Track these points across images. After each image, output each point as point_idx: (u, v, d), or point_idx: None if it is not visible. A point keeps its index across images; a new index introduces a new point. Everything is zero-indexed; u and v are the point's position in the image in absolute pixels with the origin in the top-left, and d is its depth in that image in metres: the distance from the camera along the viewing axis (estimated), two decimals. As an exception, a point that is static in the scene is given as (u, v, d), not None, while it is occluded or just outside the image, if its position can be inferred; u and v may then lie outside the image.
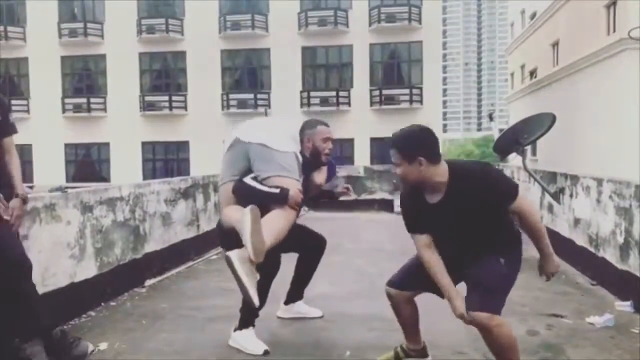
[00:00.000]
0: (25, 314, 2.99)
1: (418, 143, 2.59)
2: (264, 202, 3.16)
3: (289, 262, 3.87)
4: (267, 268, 3.23)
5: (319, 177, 3.67)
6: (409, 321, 3.12)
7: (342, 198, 4.00)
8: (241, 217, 2.92)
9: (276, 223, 3.14)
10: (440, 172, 2.60)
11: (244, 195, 3.27)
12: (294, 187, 3.25)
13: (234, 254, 2.86)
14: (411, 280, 2.98)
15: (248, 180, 3.30)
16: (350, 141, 22.21)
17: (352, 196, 4.41)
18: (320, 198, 3.99)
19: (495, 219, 2.67)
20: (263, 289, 3.38)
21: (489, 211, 2.62)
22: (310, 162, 3.58)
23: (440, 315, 4.07)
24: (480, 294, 2.63)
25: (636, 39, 4.00)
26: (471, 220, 2.63)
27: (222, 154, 3.55)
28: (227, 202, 3.41)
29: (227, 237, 3.21)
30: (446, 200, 2.63)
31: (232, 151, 3.45)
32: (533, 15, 25.92)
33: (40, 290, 3.63)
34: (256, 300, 2.91)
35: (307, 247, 3.87)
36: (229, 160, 3.47)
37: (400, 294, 3.00)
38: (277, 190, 3.20)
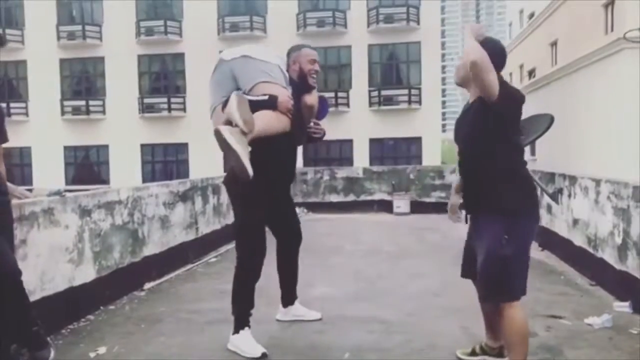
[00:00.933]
0: (19, 321, 2.99)
1: (497, 51, 2.79)
2: (256, 111, 3.08)
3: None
4: (254, 244, 3.34)
5: (310, 98, 3.57)
6: (487, 315, 3.15)
7: (316, 136, 3.77)
8: (229, 103, 2.91)
9: (266, 116, 3.11)
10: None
11: None
12: (283, 93, 3.21)
13: (223, 127, 2.86)
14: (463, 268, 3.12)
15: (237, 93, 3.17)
16: (349, 142, 22.19)
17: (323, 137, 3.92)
18: (304, 136, 3.75)
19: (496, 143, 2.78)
20: (249, 285, 3.41)
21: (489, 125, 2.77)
22: (298, 85, 3.53)
23: (438, 316, 4.09)
24: (488, 287, 2.82)
25: (631, 40, 3.99)
26: (474, 131, 2.84)
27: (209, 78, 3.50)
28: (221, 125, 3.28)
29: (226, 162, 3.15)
30: (471, 103, 2.91)
31: (217, 72, 3.43)
32: (531, 15, 25.93)
33: (39, 294, 3.65)
34: (250, 170, 2.88)
35: (286, 231, 3.83)
36: (216, 82, 3.44)
37: (474, 283, 3.08)
38: (266, 97, 3.15)
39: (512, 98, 2.80)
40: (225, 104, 3.18)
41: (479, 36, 2.78)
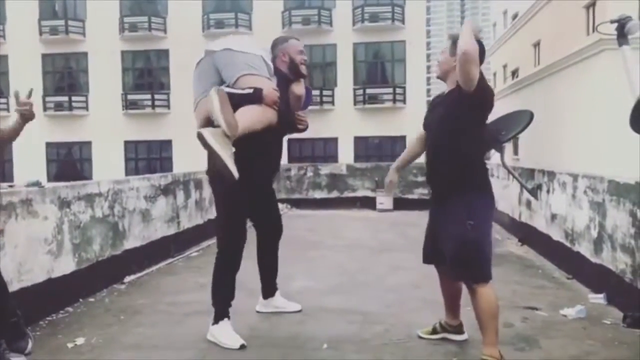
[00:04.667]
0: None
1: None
2: (241, 104, 3.07)
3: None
4: (234, 237, 3.35)
5: (298, 88, 3.59)
6: (446, 296, 3.39)
7: (300, 126, 3.76)
8: (209, 100, 2.88)
9: (251, 111, 3.08)
10: None
11: None
12: (268, 86, 3.18)
13: (205, 130, 2.84)
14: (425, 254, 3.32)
15: (222, 88, 3.14)
16: (334, 140, 22.22)
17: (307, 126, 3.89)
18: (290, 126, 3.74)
19: (464, 133, 2.98)
20: (229, 277, 3.42)
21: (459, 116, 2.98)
22: (286, 76, 3.53)
23: (417, 308, 4.14)
24: (457, 269, 3.01)
25: (604, 34, 4.05)
26: (447, 118, 3.03)
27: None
28: (203, 119, 3.26)
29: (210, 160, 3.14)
30: (444, 95, 3.15)
31: (200, 67, 3.42)
32: (515, 16, 26.17)
33: (16, 285, 3.63)
34: (235, 172, 2.86)
35: (266, 223, 3.86)
36: (199, 75, 3.42)
37: (437, 267, 3.30)
38: (251, 91, 3.12)
39: (486, 91, 3.00)
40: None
41: (476, 34, 2.90)
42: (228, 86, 3.21)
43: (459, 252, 2.95)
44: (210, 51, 3.37)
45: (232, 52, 3.28)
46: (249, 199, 3.50)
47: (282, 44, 3.65)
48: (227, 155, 2.83)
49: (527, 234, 6.77)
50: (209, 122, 3.03)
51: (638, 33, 3.77)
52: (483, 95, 2.96)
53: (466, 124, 3.00)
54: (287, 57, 3.59)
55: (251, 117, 3.07)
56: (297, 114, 3.72)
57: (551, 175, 5.88)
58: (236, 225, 3.44)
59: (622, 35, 3.79)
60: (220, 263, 3.47)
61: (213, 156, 2.86)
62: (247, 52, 3.30)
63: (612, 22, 3.90)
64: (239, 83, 3.20)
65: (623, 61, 3.76)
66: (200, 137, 2.82)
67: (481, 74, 2.91)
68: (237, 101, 3.07)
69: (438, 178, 3.13)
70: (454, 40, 2.97)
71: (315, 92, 22.42)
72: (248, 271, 3.72)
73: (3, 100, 23.45)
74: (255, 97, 3.12)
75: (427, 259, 3.31)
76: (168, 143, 23.03)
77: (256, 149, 3.30)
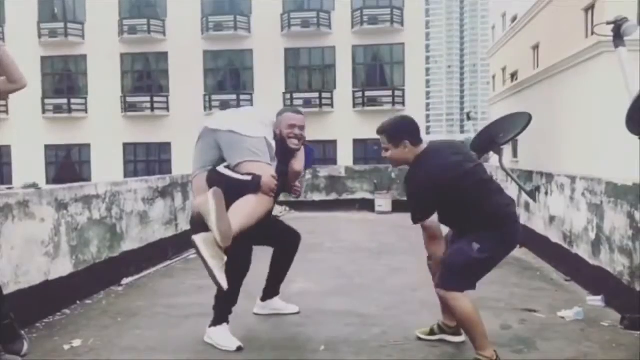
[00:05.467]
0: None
1: (403, 129, 3.07)
2: (238, 190, 3.12)
3: (265, 260, 3.88)
4: (237, 266, 3.24)
5: (296, 164, 3.65)
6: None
7: (294, 195, 3.93)
8: (205, 201, 2.89)
9: (247, 206, 3.10)
10: (417, 152, 3.06)
11: (217, 184, 3.20)
12: (267, 173, 3.19)
13: (198, 237, 2.85)
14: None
15: (221, 169, 3.26)
16: (333, 142, 22.24)
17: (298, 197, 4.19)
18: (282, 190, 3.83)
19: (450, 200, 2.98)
20: (234, 289, 3.38)
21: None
22: (281, 148, 3.55)
23: (415, 310, 4.13)
24: (442, 273, 3.03)
25: (601, 36, 4.05)
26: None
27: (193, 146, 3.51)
28: (200, 193, 3.32)
29: (197, 225, 3.17)
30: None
31: (202, 141, 3.42)
32: (514, 19, 26.21)
33: (13, 287, 3.62)
34: (224, 284, 2.88)
35: (282, 242, 3.88)
36: (200, 150, 3.43)
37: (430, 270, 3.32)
38: (249, 178, 3.15)
39: (450, 183, 2.97)
40: (209, 176, 3.25)
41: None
42: (228, 167, 3.25)
43: (455, 261, 2.98)
44: (214, 128, 3.33)
45: (235, 135, 3.25)
46: (252, 240, 3.45)
47: (279, 117, 3.65)
48: (218, 268, 2.85)
49: (525, 236, 6.75)
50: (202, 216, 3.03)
51: (634, 34, 3.77)
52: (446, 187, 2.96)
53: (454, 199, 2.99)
54: (278, 130, 3.61)
55: (247, 214, 3.08)
56: (294, 184, 3.80)
57: (549, 177, 5.89)
58: (242, 255, 3.38)
59: (619, 36, 3.80)
60: (228, 270, 3.44)
61: (204, 264, 2.86)
62: (251, 136, 3.26)
63: (608, 23, 3.91)
64: (239, 168, 3.21)
65: (619, 62, 3.76)
66: (194, 244, 2.85)
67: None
68: (234, 186, 3.12)
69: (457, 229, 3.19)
70: (388, 134, 3.08)
71: (314, 95, 22.49)
72: (249, 272, 3.70)
73: (2, 102, 23.43)
74: (253, 184, 3.14)
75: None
76: (167, 145, 23.03)
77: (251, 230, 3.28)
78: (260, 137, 3.32)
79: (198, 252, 2.84)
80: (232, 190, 3.05)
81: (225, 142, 3.27)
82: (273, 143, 3.44)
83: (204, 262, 2.84)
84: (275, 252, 3.91)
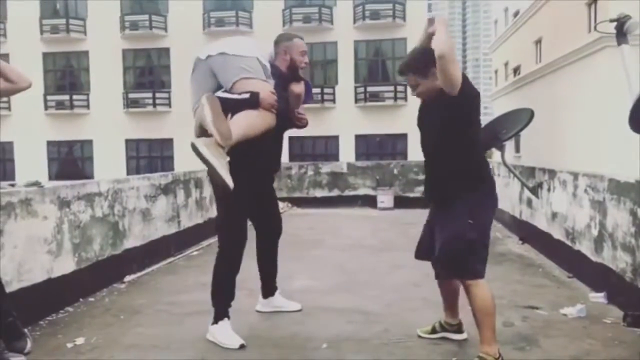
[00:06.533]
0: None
1: (428, 58, 2.86)
2: (239, 110, 3.05)
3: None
4: (235, 237, 3.32)
5: (298, 87, 3.58)
6: (445, 295, 3.37)
7: (300, 123, 3.80)
8: (200, 108, 2.85)
9: (248, 117, 3.06)
10: None
11: None
12: (265, 89, 3.14)
13: (198, 140, 2.82)
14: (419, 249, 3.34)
15: (219, 94, 3.14)
16: (335, 138, 22.24)
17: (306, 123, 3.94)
18: (289, 123, 3.75)
19: (456, 136, 2.95)
20: (235, 262, 3.41)
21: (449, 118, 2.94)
22: (286, 76, 3.51)
23: (417, 307, 4.14)
24: (451, 265, 2.99)
25: (603, 33, 4.04)
26: (437, 127, 3.02)
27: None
28: (198, 127, 3.18)
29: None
30: (434, 100, 3.05)
31: (197, 72, 3.36)
32: (516, 13, 26.12)
33: (16, 285, 3.63)
34: (230, 183, 2.84)
35: (266, 224, 3.85)
36: (196, 82, 3.37)
37: (433, 266, 3.25)
38: (247, 95, 3.08)
39: (471, 92, 2.95)
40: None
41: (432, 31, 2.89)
42: (225, 91, 3.18)
43: (450, 247, 2.95)
44: (205, 56, 3.30)
45: (227, 56, 3.22)
46: (249, 199, 3.50)
47: (286, 42, 3.63)
48: (221, 166, 2.81)
49: (527, 233, 6.76)
50: (204, 131, 2.99)
51: (637, 32, 3.75)
52: (469, 96, 2.92)
53: (459, 126, 2.95)
54: (288, 56, 3.58)
55: (247, 125, 3.04)
56: (297, 111, 3.72)
57: (552, 173, 5.87)
58: (237, 225, 3.43)
59: (622, 34, 3.78)
60: (220, 263, 3.46)
61: (208, 166, 2.84)
62: (242, 55, 3.23)
63: (611, 21, 3.89)
64: (235, 88, 3.15)
65: (622, 60, 3.75)
66: (194, 147, 2.81)
67: (463, 73, 2.89)
68: (234, 106, 3.04)
69: (438, 182, 3.10)
70: (414, 69, 3.02)
71: (316, 90, 22.43)
72: (248, 270, 3.72)
73: (4, 98, 23.45)
74: (252, 101, 3.08)
75: (419, 254, 3.31)
76: (169, 141, 23.06)
77: (256, 149, 3.27)
78: (253, 56, 3.27)
79: (200, 155, 2.79)
80: (233, 112, 2.99)
81: (219, 65, 3.21)
82: (267, 65, 3.39)
83: (207, 163, 2.80)
84: (257, 243, 3.88)
